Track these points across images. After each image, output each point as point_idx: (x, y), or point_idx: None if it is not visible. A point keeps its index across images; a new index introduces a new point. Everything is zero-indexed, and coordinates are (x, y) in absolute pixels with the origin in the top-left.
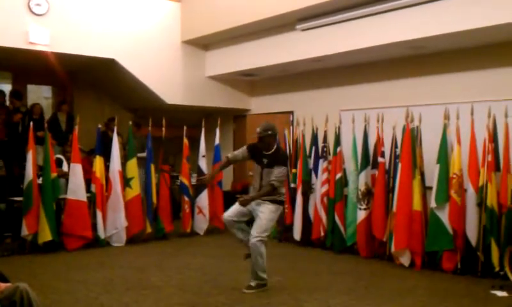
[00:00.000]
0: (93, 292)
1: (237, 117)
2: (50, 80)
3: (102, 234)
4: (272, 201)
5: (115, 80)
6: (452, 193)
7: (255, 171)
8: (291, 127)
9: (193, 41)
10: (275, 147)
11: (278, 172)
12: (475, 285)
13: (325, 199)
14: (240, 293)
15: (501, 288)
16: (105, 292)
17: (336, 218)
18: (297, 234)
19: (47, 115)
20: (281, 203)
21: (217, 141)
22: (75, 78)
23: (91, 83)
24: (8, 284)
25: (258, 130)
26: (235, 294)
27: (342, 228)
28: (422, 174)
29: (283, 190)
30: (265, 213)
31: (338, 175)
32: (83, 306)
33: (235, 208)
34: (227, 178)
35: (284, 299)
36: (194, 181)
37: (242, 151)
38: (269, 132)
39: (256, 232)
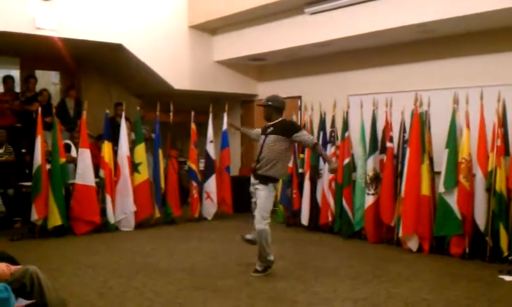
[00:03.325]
0: (101, 276)
1: (245, 102)
2: (58, 66)
3: (111, 219)
4: (269, 180)
5: (123, 65)
6: (461, 178)
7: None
8: (299, 112)
9: (201, 25)
10: (280, 119)
11: (304, 134)
12: (483, 270)
13: (333, 184)
14: (248, 276)
15: (509, 273)
16: (114, 276)
17: (344, 203)
18: (305, 219)
19: (55, 101)
20: (276, 180)
21: (224, 126)
22: (82, 63)
23: (98, 68)
24: (18, 267)
25: (264, 99)
26: (244, 278)
27: (349, 213)
28: (431, 159)
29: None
30: (262, 193)
31: (346, 160)
32: (92, 290)
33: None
34: (235, 163)
35: (292, 283)
36: (202, 166)
37: (258, 130)
38: (269, 103)
39: (258, 214)
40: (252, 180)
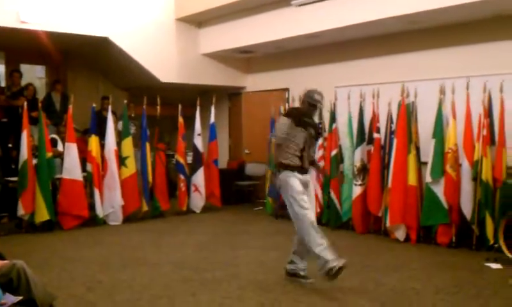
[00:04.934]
0: (90, 270)
1: (233, 95)
2: (44, 60)
3: (100, 213)
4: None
5: (109, 58)
6: (448, 168)
7: (294, 142)
8: (287, 104)
9: (187, 18)
10: (315, 120)
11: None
12: (470, 258)
13: (320, 176)
14: (236, 268)
15: (495, 261)
16: (103, 270)
17: (332, 194)
18: None
19: (41, 95)
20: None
21: (212, 119)
22: (68, 57)
23: (84, 62)
24: (5, 262)
25: (316, 97)
26: (232, 270)
27: (337, 204)
28: (418, 150)
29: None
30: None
31: (334, 152)
32: (80, 283)
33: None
34: (223, 156)
35: (281, 273)
36: (189, 159)
37: (287, 126)
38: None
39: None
40: (301, 177)
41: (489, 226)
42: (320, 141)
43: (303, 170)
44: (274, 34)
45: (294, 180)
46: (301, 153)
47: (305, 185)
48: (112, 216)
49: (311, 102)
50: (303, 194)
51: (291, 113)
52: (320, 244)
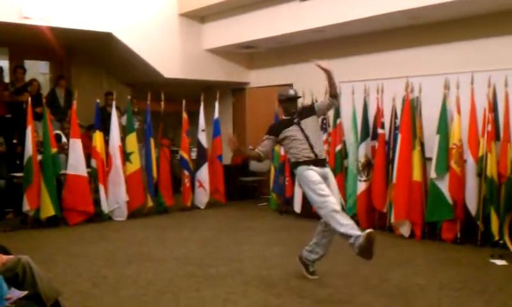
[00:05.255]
0: (95, 265)
1: (236, 90)
2: (47, 56)
3: (105, 208)
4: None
5: (112, 54)
6: (452, 163)
7: (295, 139)
8: None
9: (190, 13)
10: (297, 107)
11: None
12: (475, 254)
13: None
14: (241, 264)
15: (500, 257)
16: (108, 265)
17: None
18: (297, 206)
19: (45, 91)
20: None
21: (216, 115)
22: (72, 53)
23: (88, 58)
24: (10, 257)
25: (290, 92)
26: (236, 265)
27: (342, 200)
28: (422, 145)
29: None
30: (333, 176)
31: (338, 147)
32: (85, 279)
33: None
34: (227, 152)
35: (285, 269)
36: (194, 155)
37: (268, 140)
38: (299, 95)
39: (339, 199)
40: (317, 169)
41: (494, 222)
42: (324, 137)
43: (318, 162)
44: (278, 29)
45: (309, 171)
46: (308, 142)
47: (323, 177)
48: (117, 212)
49: (287, 99)
50: (319, 183)
51: (272, 128)
52: (345, 224)
